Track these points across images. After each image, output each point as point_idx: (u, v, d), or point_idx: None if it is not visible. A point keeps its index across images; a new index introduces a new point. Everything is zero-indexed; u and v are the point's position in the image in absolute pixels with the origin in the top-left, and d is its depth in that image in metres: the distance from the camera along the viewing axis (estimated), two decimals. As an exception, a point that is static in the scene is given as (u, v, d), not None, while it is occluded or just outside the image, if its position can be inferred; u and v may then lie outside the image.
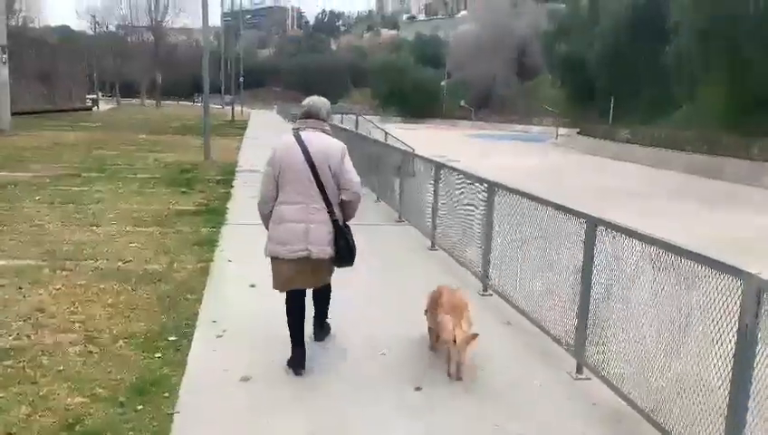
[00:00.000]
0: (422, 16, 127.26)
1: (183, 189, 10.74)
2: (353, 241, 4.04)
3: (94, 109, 50.88)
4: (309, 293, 4.19)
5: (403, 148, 13.30)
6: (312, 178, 3.86)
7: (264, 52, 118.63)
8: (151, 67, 61.13)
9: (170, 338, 4.36)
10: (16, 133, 22.17)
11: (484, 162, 27.72)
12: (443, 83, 74.70)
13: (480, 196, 5.81)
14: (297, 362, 3.97)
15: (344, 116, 34.45)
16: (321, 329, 4.49)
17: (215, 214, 8.62)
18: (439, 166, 7.11)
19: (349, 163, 4.00)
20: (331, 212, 3.91)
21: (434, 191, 7.12)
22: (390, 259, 6.77)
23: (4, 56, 22.45)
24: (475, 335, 3.92)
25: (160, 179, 11.86)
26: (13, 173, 12.11)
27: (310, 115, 4.05)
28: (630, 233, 3.60)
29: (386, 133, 24.68)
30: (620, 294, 3.72)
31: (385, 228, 8.42)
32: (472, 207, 6.06)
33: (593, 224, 3.93)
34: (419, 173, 8.11)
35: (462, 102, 68.32)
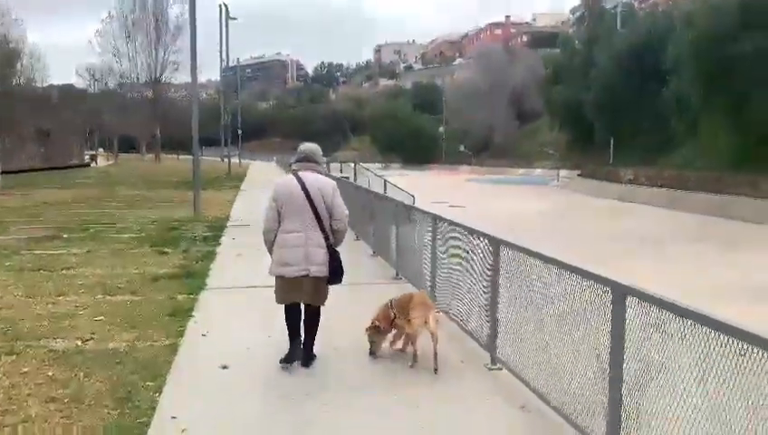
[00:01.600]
0: (419, 66, 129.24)
1: (166, 249, 10.09)
2: (341, 263, 4.87)
3: (92, 165, 50.97)
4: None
5: (401, 196, 12.73)
6: (310, 210, 4.75)
7: (264, 104, 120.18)
8: (150, 122, 61.45)
9: (117, 444, 3.62)
10: (6, 193, 21.75)
11: (489, 207, 27.24)
12: (441, 129, 75.04)
13: (482, 253, 5.13)
14: (289, 357, 4.79)
15: (342, 165, 34.24)
16: (309, 356, 4.87)
17: (195, 277, 7.94)
18: (436, 218, 6.45)
19: (339, 198, 4.89)
20: (326, 238, 4.78)
21: (431, 247, 6.44)
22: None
23: (-6, 115, 22.18)
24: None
25: (144, 239, 11.24)
26: (-11, 236, 11.53)
27: (306, 159, 4.96)
28: (669, 306, 2.90)
29: (385, 182, 24.20)
30: (663, 381, 2.99)
31: (380, 287, 7.70)
32: (474, 267, 5.36)
33: (621, 294, 3.23)
34: (417, 226, 7.44)
35: (461, 147, 68.39)
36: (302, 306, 4.88)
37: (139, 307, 6.54)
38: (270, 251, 4.89)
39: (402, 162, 71.48)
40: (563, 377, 3.82)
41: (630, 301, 3.19)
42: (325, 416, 4.01)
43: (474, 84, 72.42)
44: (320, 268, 4.74)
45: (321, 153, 5.08)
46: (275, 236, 4.80)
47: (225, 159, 44.67)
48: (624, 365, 3.21)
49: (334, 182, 4.98)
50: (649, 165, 35.28)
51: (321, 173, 4.97)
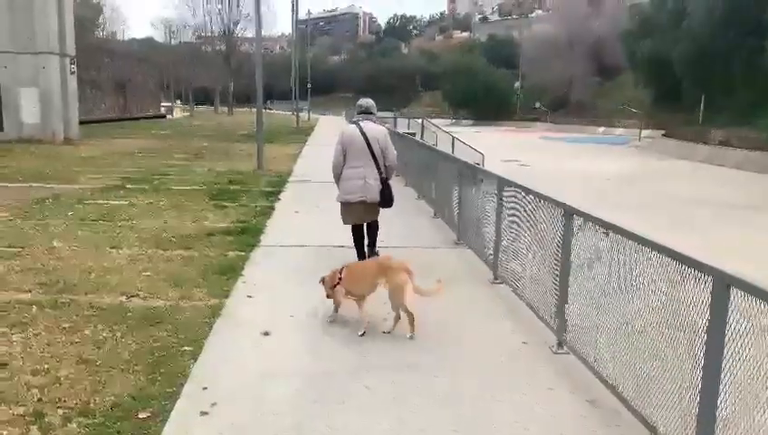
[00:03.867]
0: (495, 17, 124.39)
1: (225, 203, 9.97)
2: (392, 192, 6.29)
3: (168, 116, 52.39)
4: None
5: (469, 154, 12.07)
6: (368, 151, 6.16)
7: (336, 58, 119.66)
8: (224, 75, 62.37)
9: (141, 415, 3.38)
10: (83, 142, 22.52)
11: (561, 167, 25.99)
12: (517, 85, 72.42)
13: (554, 223, 4.53)
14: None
15: (410, 121, 33.51)
16: (373, 252, 6.40)
17: (249, 234, 7.73)
18: (503, 182, 5.84)
19: (390, 142, 6.33)
20: (380, 172, 6.22)
21: (496, 213, 5.87)
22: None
23: (73, 67, 22.81)
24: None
25: (205, 192, 11.18)
26: (59, 185, 11.78)
27: (365, 111, 6.43)
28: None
29: (453, 138, 23.44)
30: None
31: (440, 252, 7.25)
32: (544, 238, 4.79)
33: (724, 284, 2.62)
34: (481, 189, 6.85)
35: (537, 104, 65.86)
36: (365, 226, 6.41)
37: (190, 263, 6.37)
38: (337, 183, 6.35)
39: (474, 119, 69.74)
40: (645, 375, 3.25)
41: (735, 292, 2.58)
42: (364, 398, 3.63)
43: (553, 37, 69.04)
44: (373, 196, 6.20)
45: (376, 106, 6.51)
46: (342, 171, 6.25)
47: (295, 114, 44.76)
48: (723, 370, 2.63)
49: (386, 130, 6.53)
50: (743, 126, 32.59)
51: (376, 122, 6.43)
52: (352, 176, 6.17)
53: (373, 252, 6.39)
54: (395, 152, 6.35)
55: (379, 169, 6.19)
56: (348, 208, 6.30)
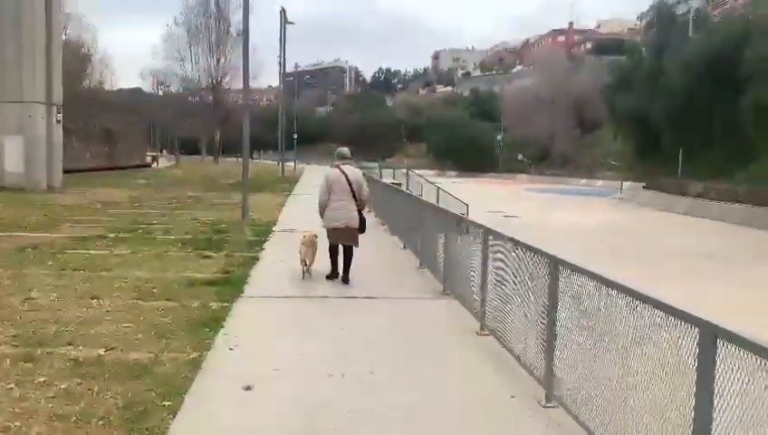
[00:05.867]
0: (478, 72, 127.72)
1: (209, 253, 9.88)
2: (365, 220, 8.18)
3: (154, 165, 52.40)
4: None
5: (453, 205, 12.15)
6: (349, 188, 7.94)
7: (322, 109, 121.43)
8: (211, 125, 62.89)
9: (114, 477, 3.24)
10: (67, 191, 22.37)
11: (546, 218, 26.23)
12: (499, 137, 73.73)
13: (540, 274, 4.53)
14: (331, 275, 8.07)
15: (395, 171, 33.83)
16: (346, 280, 7.90)
17: (232, 284, 7.63)
18: (488, 232, 5.88)
19: (364, 182, 8.24)
20: (358, 205, 8.04)
21: (482, 264, 5.87)
22: (422, 346, 5.52)
23: (59, 116, 22.89)
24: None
25: (189, 241, 11.08)
26: (41, 234, 11.64)
27: (344, 157, 8.22)
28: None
29: (438, 190, 23.64)
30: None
31: (425, 303, 7.21)
32: (529, 288, 4.78)
33: (712, 335, 2.62)
34: (467, 239, 6.89)
35: (520, 156, 66.97)
36: (341, 247, 8.04)
37: (171, 314, 6.25)
38: (321, 214, 8.07)
39: (458, 170, 70.64)
40: (636, 429, 3.20)
41: (722, 343, 2.58)
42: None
43: (534, 92, 70.85)
44: (354, 222, 7.94)
45: (351, 153, 8.39)
46: (327, 204, 7.95)
47: (280, 164, 45.00)
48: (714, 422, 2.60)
49: (361, 172, 8.39)
50: (722, 178, 33.30)
51: (354, 166, 8.29)
52: (337, 208, 7.91)
53: (348, 275, 7.91)
54: (368, 189, 8.33)
55: (356, 201, 7.98)
56: (333, 232, 8.01)
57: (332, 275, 8.06)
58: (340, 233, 7.91)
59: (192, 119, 61.19)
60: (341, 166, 8.04)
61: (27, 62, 21.80)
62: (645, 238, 22.31)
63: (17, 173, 21.96)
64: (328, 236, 8.04)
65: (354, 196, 7.93)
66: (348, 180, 7.90)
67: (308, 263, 8.12)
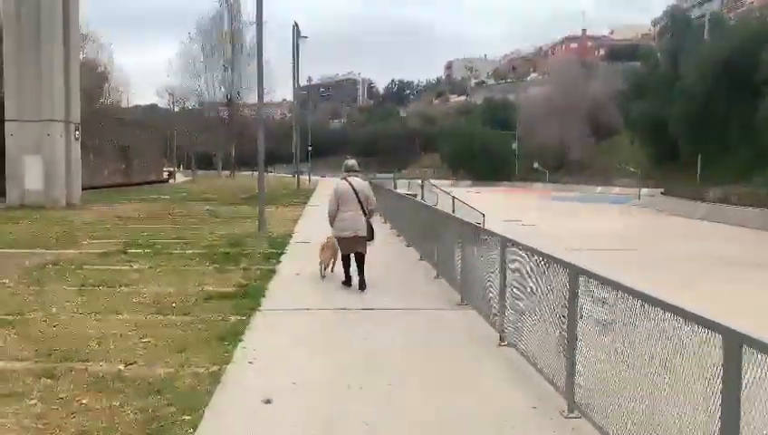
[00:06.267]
0: (491, 81, 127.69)
1: (226, 267, 9.94)
2: (373, 227, 8.53)
3: (171, 181, 52.93)
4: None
5: (470, 214, 12.11)
6: (356, 199, 8.36)
7: (336, 122, 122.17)
8: (226, 140, 63.46)
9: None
10: (86, 207, 22.66)
11: (563, 226, 26.05)
12: (514, 146, 73.49)
13: (560, 282, 4.49)
14: (347, 283, 8.42)
15: (410, 182, 33.86)
16: (362, 282, 8.26)
17: (250, 297, 7.66)
18: (505, 241, 5.85)
19: (371, 192, 8.65)
20: (366, 215, 8.40)
21: (500, 274, 5.84)
22: (440, 357, 5.49)
23: (77, 133, 23.24)
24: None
25: (207, 255, 11.15)
26: (61, 250, 11.79)
27: (351, 169, 8.69)
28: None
29: (453, 199, 23.61)
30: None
31: (443, 314, 7.17)
32: (548, 298, 4.74)
33: (738, 344, 2.57)
34: (484, 248, 6.85)
35: (535, 165, 66.62)
36: (353, 256, 8.42)
37: (190, 328, 6.29)
38: (331, 223, 8.53)
39: (473, 179, 70.52)
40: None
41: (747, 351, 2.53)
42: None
43: (548, 99, 70.66)
44: (362, 231, 8.31)
45: (358, 166, 8.92)
46: (336, 214, 8.40)
47: (295, 176, 45.26)
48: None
49: (368, 183, 9.04)
50: (741, 183, 32.89)
51: (360, 177, 8.84)
52: (346, 217, 8.32)
53: (363, 280, 8.29)
54: (374, 199, 8.66)
55: (364, 211, 8.36)
56: (343, 241, 8.45)
57: (347, 283, 8.43)
58: (350, 242, 8.33)
59: (208, 134, 61.79)
60: (348, 178, 8.49)
61: (46, 80, 22.21)
62: (670, 244, 22.04)
63: (37, 191, 22.32)
64: (339, 246, 8.56)
65: (362, 205, 8.33)
66: (355, 191, 8.33)
67: (326, 265, 8.93)
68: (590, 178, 59.46)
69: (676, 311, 3.06)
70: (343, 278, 8.50)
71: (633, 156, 54.47)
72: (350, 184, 8.38)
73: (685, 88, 39.86)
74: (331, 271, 8.97)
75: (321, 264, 8.90)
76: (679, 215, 32.95)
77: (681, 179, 40.91)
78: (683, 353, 3.02)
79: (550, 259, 4.72)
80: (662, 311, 3.18)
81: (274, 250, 11.90)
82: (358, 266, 8.32)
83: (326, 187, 42.11)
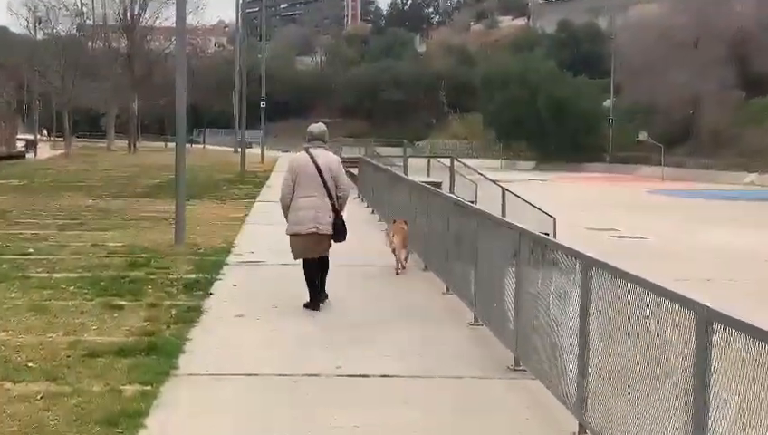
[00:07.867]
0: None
1: (120, 302, 10.05)
2: (344, 223, 9.51)
3: (30, 155, 53.11)
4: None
5: (528, 217, 12.15)
6: (320, 179, 9.25)
7: (308, 60, 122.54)
8: (123, 89, 63.68)
9: None
10: None
11: (690, 241, 26.09)
12: (607, 103, 73.81)
13: (682, 335, 4.49)
14: (313, 305, 9.34)
15: (432, 161, 33.79)
16: (322, 294, 9.48)
17: (159, 354, 7.72)
18: (589, 264, 5.83)
19: (343, 171, 9.79)
20: (332, 203, 9.34)
21: (580, 319, 5.82)
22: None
23: None
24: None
25: (88, 282, 11.28)
26: None
27: (315, 138, 9.68)
28: None
29: (503, 191, 23.70)
30: None
31: (488, 387, 7.23)
32: (664, 358, 4.74)
33: None
34: (554, 276, 6.86)
35: (642, 135, 66.89)
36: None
37: (57, 407, 6.30)
38: (285, 215, 9.47)
39: (537, 159, 70.88)
40: None
41: None
42: None
43: (665, 27, 70.88)
44: (326, 227, 9.23)
45: (328, 133, 9.89)
46: (291, 201, 9.31)
47: (240, 151, 45.37)
48: None
49: (338, 158, 10.11)
50: None
51: (327, 150, 9.75)
52: (303, 206, 9.25)
53: (322, 293, 9.46)
54: (348, 182, 9.47)
55: (331, 199, 9.27)
56: (298, 241, 9.36)
57: (311, 304, 9.39)
58: (308, 241, 9.33)
59: (92, 78, 62.05)
60: (311, 149, 9.51)
61: None
62: None
63: None
64: (291, 246, 9.60)
65: (328, 190, 9.29)
66: (319, 169, 9.26)
67: (400, 255, 11.26)
68: (735, 158, 59.62)
69: None
70: (307, 300, 9.41)
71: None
72: (313, 158, 9.33)
73: None
74: (402, 266, 11.60)
75: (393, 252, 11.55)
76: None
77: None
78: None
79: (665, 295, 4.70)
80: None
81: (202, 274, 12.04)
82: (320, 275, 9.54)
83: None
